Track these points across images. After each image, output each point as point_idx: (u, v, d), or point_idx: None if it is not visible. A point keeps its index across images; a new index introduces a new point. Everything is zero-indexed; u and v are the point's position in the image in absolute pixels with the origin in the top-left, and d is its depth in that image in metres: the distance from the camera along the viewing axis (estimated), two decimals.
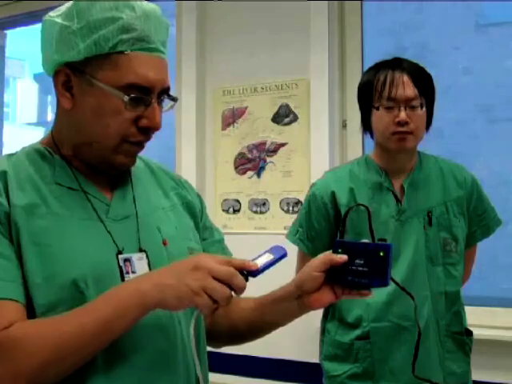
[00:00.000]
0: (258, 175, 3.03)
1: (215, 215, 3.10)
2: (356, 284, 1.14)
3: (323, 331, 1.94)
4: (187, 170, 3.11)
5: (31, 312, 1.03)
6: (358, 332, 1.81)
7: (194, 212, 1.33)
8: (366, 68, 2.85)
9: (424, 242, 1.82)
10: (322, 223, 1.89)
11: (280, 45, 2.97)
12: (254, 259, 1.07)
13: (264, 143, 3.01)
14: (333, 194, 1.87)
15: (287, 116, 2.95)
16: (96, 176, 1.18)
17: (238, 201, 3.07)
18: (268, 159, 3.01)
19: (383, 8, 2.91)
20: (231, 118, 3.10)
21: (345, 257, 1.13)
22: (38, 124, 16.85)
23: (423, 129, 1.85)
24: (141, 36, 1.10)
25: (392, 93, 1.78)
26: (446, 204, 1.85)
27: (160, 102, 1.15)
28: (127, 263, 1.11)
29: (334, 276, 1.16)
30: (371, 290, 1.16)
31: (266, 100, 3.01)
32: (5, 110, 4.18)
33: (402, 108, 1.77)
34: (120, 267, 1.10)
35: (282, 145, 2.98)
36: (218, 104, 3.14)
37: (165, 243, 1.18)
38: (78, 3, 1.10)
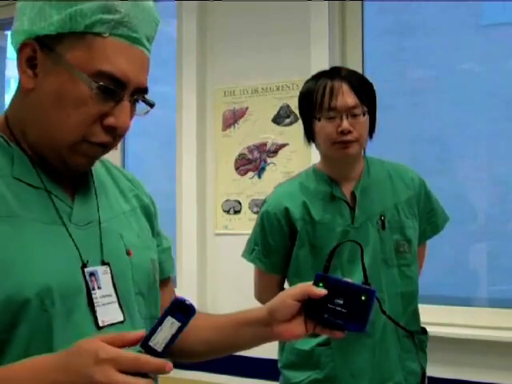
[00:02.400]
0: (259, 176, 3.03)
1: (216, 216, 3.10)
2: (330, 323, 1.08)
3: None
4: (188, 171, 3.11)
5: None
6: (318, 339, 1.81)
7: (150, 217, 1.21)
8: (366, 69, 2.87)
9: (379, 246, 1.82)
10: (278, 240, 1.88)
11: (280, 45, 2.98)
12: (152, 330, 0.87)
13: (265, 144, 3.02)
14: (286, 209, 1.85)
15: (288, 117, 2.96)
16: (56, 172, 1.02)
17: (238, 201, 3.07)
18: (269, 160, 3.01)
19: (383, 8, 2.91)
20: (232, 118, 3.11)
21: (324, 291, 1.07)
22: None
23: (366, 136, 1.84)
24: (124, 20, 0.96)
25: (332, 102, 1.76)
26: (396, 206, 1.86)
27: (133, 102, 1.01)
28: (92, 278, 0.98)
29: (309, 310, 1.09)
30: (345, 332, 1.10)
31: (267, 101, 3.01)
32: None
33: (344, 117, 1.76)
34: (86, 283, 0.97)
35: (283, 146, 2.98)
36: (219, 105, 3.14)
37: (129, 253, 1.07)
38: None
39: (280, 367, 1.93)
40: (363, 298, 1.08)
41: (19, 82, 1.01)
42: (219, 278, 3.04)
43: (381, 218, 1.84)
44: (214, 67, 3.16)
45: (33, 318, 0.90)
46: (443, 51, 2.79)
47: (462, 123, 2.80)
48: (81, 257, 0.98)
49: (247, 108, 3.07)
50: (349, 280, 1.11)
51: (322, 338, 1.81)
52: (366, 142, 1.88)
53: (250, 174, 3.06)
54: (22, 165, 0.99)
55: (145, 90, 1.01)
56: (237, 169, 3.09)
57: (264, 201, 1.96)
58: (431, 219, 1.96)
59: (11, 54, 4.27)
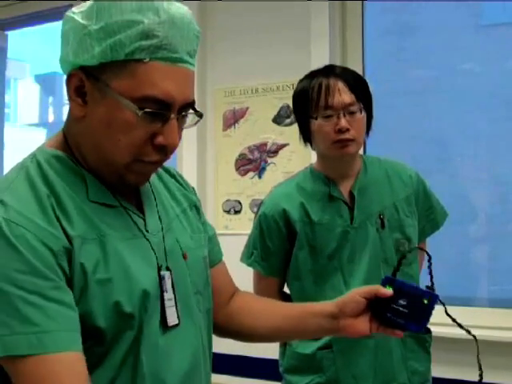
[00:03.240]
0: (259, 176, 3.03)
1: (216, 216, 3.10)
2: (392, 322, 1.19)
3: (283, 343, 1.92)
4: (188, 171, 3.11)
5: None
6: (319, 343, 1.80)
7: (199, 211, 1.28)
8: (367, 68, 2.86)
9: (379, 245, 1.81)
10: (276, 242, 1.86)
11: (281, 45, 2.98)
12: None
13: (265, 144, 3.02)
14: (284, 211, 1.83)
15: (288, 117, 2.96)
16: (118, 187, 1.08)
17: (239, 202, 3.08)
18: (269, 160, 3.01)
19: (384, 8, 2.91)
20: (232, 118, 3.11)
21: (390, 292, 1.18)
22: (39, 125, 16.86)
23: (364, 134, 1.82)
24: (163, 44, 0.97)
25: (329, 101, 1.74)
26: (395, 205, 1.84)
27: (182, 118, 1.04)
28: (163, 281, 1.07)
29: (374, 308, 1.20)
30: (404, 331, 1.21)
31: (267, 101, 3.01)
32: (6, 110, 4.18)
33: (341, 115, 1.73)
34: (161, 286, 1.06)
35: (283, 146, 2.98)
36: (219, 105, 3.14)
37: (185, 257, 1.14)
38: (100, 1, 0.98)
39: (282, 371, 1.92)
40: (425, 301, 1.18)
41: (70, 109, 1.05)
42: None
43: (380, 217, 1.83)
44: (214, 67, 3.16)
45: (137, 324, 1.00)
46: (443, 51, 2.79)
47: (462, 123, 2.80)
48: (157, 263, 1.07)
49: (247, 108, 3.07)
50: (413, 284, 1.21)
51: (323, 341, 1.80)
52: (364, 140, 1.87)
53: (251, 174, 3.06)
54: (95, 186, 1.05)
55: (191, 104, 1.05)
56: (237, 169, 3.09)
57: (261, 202, 1.94)
58: (430, 216, 1.95)
59: (11, 54, 4.27)
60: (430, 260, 1.32)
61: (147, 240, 1.07)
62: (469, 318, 2.58)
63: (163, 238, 1.11)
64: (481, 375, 1.38)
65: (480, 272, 2.82)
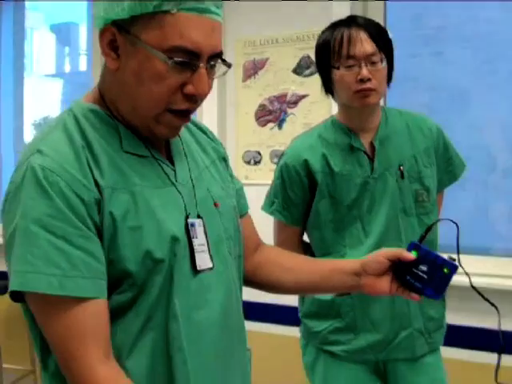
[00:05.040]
0: (279, 127, 3.05)
1: (236, 166, 3.14)
2: (411, 285, 1.25)
3: None
4: (209, 122, 3.13)
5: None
6: None
7: (227, 164, 1.34)
8: (388, 18, 2.83)
9: (398, 196, 1.84)
10: (298, 193, 1.89)
11: None
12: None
13: (285, 95, 3.02)
14: (305, 162, 1.86)
15: (308, 67, 2.95)
16: (150, 139, 1.13)
17: (259, 152, 3.10)
18: (289, 111, 3.02)
19: None
20: (252, 69, 3.11)
21: (413, 256, 1.23)
22: (56, 75, 16.83)
23: (385, 84, 1.83)
24: None
25: (351, 50, 1.75)
26: (415, 156, 1.87)
27: (211, 67, 1.06)
28: (193, 228, 1.11)
29: (396, 270, 1.26)
30: (421, 296, 1.26)
31: (287, 51, 3.00)
32: (25, 61, 4.20)
33: (363, 65, 1.74)
34: (188, 232, 1.10)
35: (303, 96, 2.99)
36: (239, 55, 3.14)
37: (216, 205, 1.18)
38: None
39: (301, 316, 1.98)
40: (445, 270, 1.23)
41: (104, 63, 1.09)
42: None
43: (399, 168, 1.85)
44: (234, 18, 3.14)
45: (167, 268, 1.05)
46: None
47: (482, 72, 2.78)
48: (186, 210, 1.11)
49: (267, 59, 3.07)
50: (438, 253, 1.25)
51: None
52: (385, 91, 1.88)
53: (270, 124, 3.07)
54: (128, 138, 1.09)
55: (220, 54, 1.07)
56: (257, 120, 3.11)
57: (282, 153, 1.97)
58: (449, 168, 1.97)
59: (30, 5, 4.26)
60: (458, 230, 1.36)
61: (177, 189, 1.11)
62: (488, 268, 2.63)
63: (193, 187, 1.15)
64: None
65: (499, 222, 2.84)
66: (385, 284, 1.27)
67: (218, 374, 1.13)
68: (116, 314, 1.04)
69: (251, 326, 3.06)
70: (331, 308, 1.87)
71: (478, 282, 2.52)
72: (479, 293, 1.41)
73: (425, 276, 1.23)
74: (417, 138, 1.90)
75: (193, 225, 1.11)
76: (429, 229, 1.36)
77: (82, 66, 4.40)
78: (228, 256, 1.19)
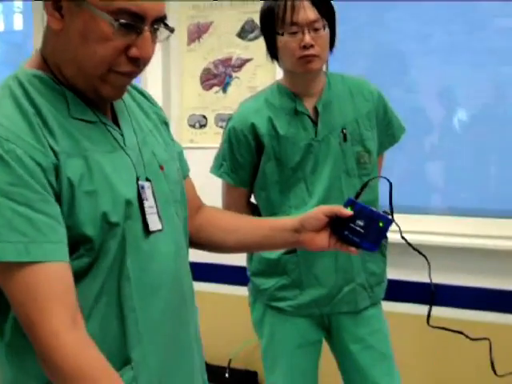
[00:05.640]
0: (224, 90, 3.07)
1: (182, 130, 3.15)
2: (348, 240, 1.30)
3: None
4: (153, 86, 3.12)
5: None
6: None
7: (168, 127, 1.35)
8: None
9: (341, 158, 1.92)
10: (245, 155, 1.95)
11: None
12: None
13: (230, 59, 3.04)
14: (252, 125, 1.91)
15: (252, 31, 2.97)
16: (96, 104, 1.12)
17: (204, 116, 3.12)
18: (234, 75, 3.04)
19: None
20: (196, 32, 3.10)
21: (350, 212, 1.29)
22: None
23: (328, 50, 1.89)
24: None
25: (294, 17, 1.80)
26: (357, 120, 1.94)
27: (154, 31, 1.06)
28: (143, 190, 1.12)
29: (334, 226, 1.31)
30: (358, 250, 1.32)
31: (232, 15, 3.01)
32: None
33: (306, 31, 1.80)
34: (139, 194, 1.11)
35: (248, 60, 3.01)
36: (183, 18, 3.12)
37: (161, 168, 1.20)
38: None
39: (249, 275, 2.05)
40: (381, 224, 1.29)
41: (48, 24, 1.07)
42: None
43: (342, 132, 1.92)
44: None
45: (121, 232, 1.07)
46: None
47: (419, 36, 2.85)
48: (136, 173, 1.12)
49: (212, 22, 3.07)
50: (373, 208, 1.31)
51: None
52: (328, 57, 1.93)
53: (215, 88, 3.09)
54: (75, 103, 1.08)
55: (163, 18, 1.07)
56: (202, 83, 3.12)
57: (230, 117, 2.00)
58: (389, 131, 2.05)
59: None
60: (390, 187, 1.42)
61: (126, 153, 1.12)
62: (426, 226, 2.75)
63: (140, 151, 1.16)
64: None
65: (436, 182, 2.96)
66: (323, 239, 1.32)
67: (169, 333, 1.16)
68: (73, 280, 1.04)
69: (199, 286, 3.14)
70: (277, 266, 1.94)
71: (414, 239, 2.65)
72: (409, 244, 1.49)
73: (362, 230, 1.28)
74: (358, 102, 1.97)
75: (143, 187, 1.12)
76: (364, 185, 1.42)
77: (18, 24, 4.24)
78: (176, 218, 1.21)
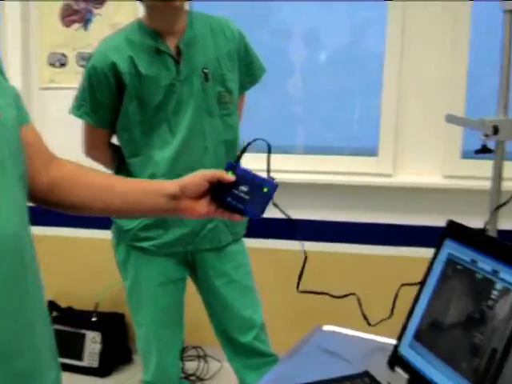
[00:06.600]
0: (85, 27, 2.95)
1: (41, 69, 3.01)
2: (232, 207, 1.21)
3: None
4: (11, 21, 2.94)
5: None
6: None
7: (2, 69, 1.16)
8: None
9: (202, 97, 1.93)
10: (106, 95, 1.91)
11: None
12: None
13: None
14: (113, 64, 1.87)
15: None
16: None
17: (64, 54, 2.99)
18: (95, 11, 2.93)
19: None
20: None
21: (233, 178, 1.20)
22: None
23: None
24: None
25: None
26: (218, 59, 1.96)
27: None
28: None
29: (215, 192, 1.21)
30: (243, 216, 1.23)
31: None
32: None
33: None
34: None
35: None
36: None
37: None
38: None
39: (112, 218, 2.04)
40: (265, 189, 1.21)
41: None
42: (46, 131, 3.00)
43: (204, 71, 1.93)
44: None
45: None
46: None
47: None
48: None
49: None
50: (256, 173, 1.23)
51: None
52: None
53: (76, 25, 2.97)
54: None
55: None
56: (62, 20, 2.98)
57: (90, 55, 1.95)
58: (250, 71, 2.08)
59: None
60: (269, 150, 1.32)
61: None
62: (289, 164, 2.85)
63: None
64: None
65: (297, 122, 3.05)
66: (204, 206, 1.22)
67: (10, 302, 1.02)
68: None
69: (61, 231, 3.09)
70: None
71: (278, 177, 2.75)
72: (282, 211, 1.41)
73: (246, 196, 1.21)
74: (220, 40, 1.97)
75: None
76: (244, 150, 1.32)
77: None
78: (12, 174, 1.05)
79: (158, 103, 1.90)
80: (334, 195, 2.84)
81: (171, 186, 1.22)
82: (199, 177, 1.22)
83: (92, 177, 1.26)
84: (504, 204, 1.54)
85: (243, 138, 2.11)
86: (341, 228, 2.85)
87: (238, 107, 2.08)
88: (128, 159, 1.98)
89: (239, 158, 1.29)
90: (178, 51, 1.91)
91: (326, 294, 1.36)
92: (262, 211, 1.22)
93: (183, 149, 1.93)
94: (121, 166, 2.02)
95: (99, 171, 1.35)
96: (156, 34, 1.90)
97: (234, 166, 1.24)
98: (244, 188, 1.21)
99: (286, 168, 2.84)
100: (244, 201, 1.21)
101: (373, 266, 2.80)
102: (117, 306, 3.01)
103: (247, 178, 1.22)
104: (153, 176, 1.93)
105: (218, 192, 1.22)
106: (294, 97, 3.02)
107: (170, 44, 1.91)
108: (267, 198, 1.21)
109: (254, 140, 1.50)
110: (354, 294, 1.35)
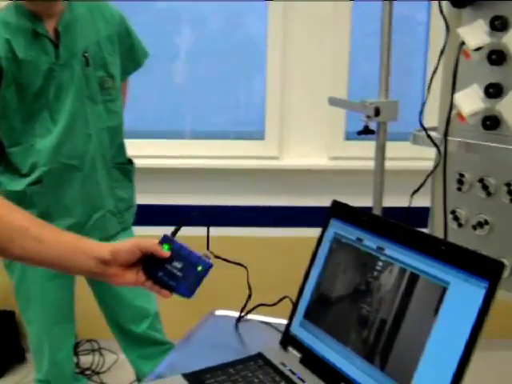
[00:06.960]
0: None
1: None
2: (163, 283, 1.16)
3: None
4: None
5: None
6: (30, 178, 1.87)
7: None
8: None
9: (84, 83, 1.89)
10: None
11: None
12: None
13: None
14: None
15: None
16: None
17: None
18: None
19: None
20: None
21: (168, 253, 1.15)
22: None
23: None
24: None
25: None
26: (99, 43, 1.92)
27: None
28: None
29: (147, 264, 1.16)
30: (172, 293, 1.17)
31: None
32: None
33: None
34: None
35: None
36: None
37: None
38: None
39: None
40: (199, 268, 1.16)
41: None
42: None
43: (84, 55, 1.87)
44: None
45: None
46: None
47: None
48: None
49: None
50: (192, 250, 1.17)
51: (33, 177, 1.86)
52: None
53: None
54: None
55: None
56: None
57: None
58: (132, 55, 2.04)
59: None
60: (208, 228, 1.23)
61: None
62: (177, 150, 2.83)
63: None
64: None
65: (184, 108, 3.02)
66: (132, 275, 1.16)
67: None
68: None
69: None
70: (23, 198, 1.86)
71: (165, 163, 2.72)
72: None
73: (178, 273, 1.16)
74: (100, 24, 1.92)
75: None
76: (182, 224, 1.20)
77: None
78: None
79: (38, 89, 1.82)
80: (222, 179, 2.86)
81: (103, 249, 1.14)
82: (132, 244, 1.15)
83: (17, 217, 1.20)
84: (418, 189, 1.59)
85: (128, 124, 2.07)
86: (230, 211, 2.87)
87: (122, 92, 2.03)
88: (8, 149, 1.89)
89: (176, 231, 1.20)
90: (57, 34, 1.84)
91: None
92: (194, 291, 1.16)
93: (66, 137, 1.86)
94: (1, 156, 1.92)
95: (25, 213, 1.24)
96: (34, 16, 1.81)
97: (169, 239, 1.18)
98: (177, 264, 1.16)
99: (174, 153, 2.83)
100: (176, 278, 1.16)
101: (264, 247, 2.85)
102: (7, 303, 2.88)
103: (182, 254, 1.17)
104: (35, 165, 1.86)
105: (149, 264, 1.16)
106: (180, 81, 2.99)
107: (49, 27, 1.83)
108: (200, 278, 1.16)
109: (192, 214, 1.35)
110: (244, 266, 1.34)
